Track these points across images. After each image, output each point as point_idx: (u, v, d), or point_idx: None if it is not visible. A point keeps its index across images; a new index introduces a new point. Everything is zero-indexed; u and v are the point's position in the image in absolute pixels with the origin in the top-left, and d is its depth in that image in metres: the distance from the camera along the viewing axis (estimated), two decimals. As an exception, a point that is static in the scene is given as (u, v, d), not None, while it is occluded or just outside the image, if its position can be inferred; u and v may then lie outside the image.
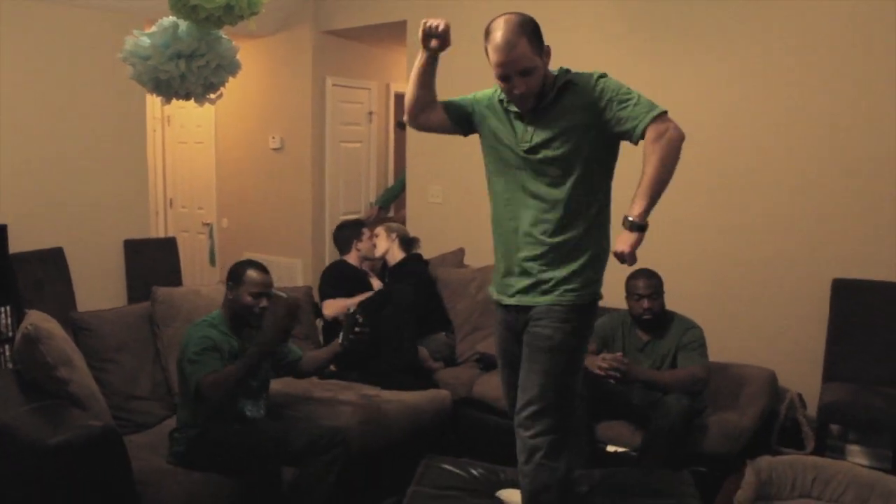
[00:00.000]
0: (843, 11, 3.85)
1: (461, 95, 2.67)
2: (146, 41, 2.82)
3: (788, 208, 4.09)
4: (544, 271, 2.43)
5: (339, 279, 4.36)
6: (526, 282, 2.46)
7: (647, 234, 4.46)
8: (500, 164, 2.52)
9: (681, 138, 2.27)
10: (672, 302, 3.68)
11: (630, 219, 2.25)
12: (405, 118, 2.65)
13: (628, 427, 3.46)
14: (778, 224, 4.13)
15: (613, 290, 3.78)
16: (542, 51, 2.36)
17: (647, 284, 3.54)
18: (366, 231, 4.59)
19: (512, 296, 2.52)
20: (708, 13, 4.27)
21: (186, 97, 2.97)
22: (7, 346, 4.69)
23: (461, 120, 2.64)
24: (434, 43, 2.44)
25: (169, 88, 2.89)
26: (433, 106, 2.59)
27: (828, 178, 3.96)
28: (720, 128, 4.27)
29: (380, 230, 4.62)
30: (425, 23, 2.40)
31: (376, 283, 4.48)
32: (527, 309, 2.47)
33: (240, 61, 3.06)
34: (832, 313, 3.90)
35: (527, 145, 2.42)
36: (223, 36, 2.98)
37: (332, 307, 4.23)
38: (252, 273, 3.02)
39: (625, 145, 2.46)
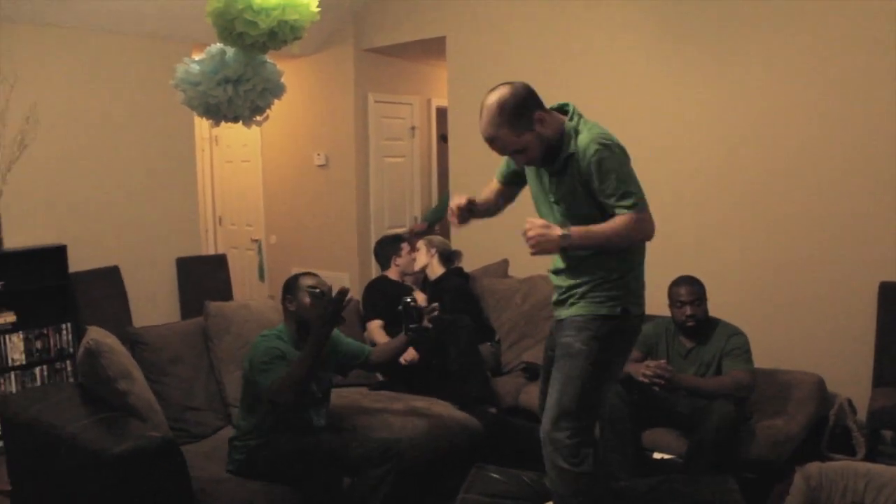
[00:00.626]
0: (883, 15, 3.83)
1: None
2: (196, 68, 2.94)
3: (833, 210, 4.06)
4: (570, 286, 2.57)
5: (377, 297, 4.43)
6: (556, 297, 2.64)
7: (690, 238, 4.47)
8: (537, 199, 2.68)
9: (648, 235, 2.47)
10: (716, 308, 3.68)
11: (567, 232, 2.38)
12: None
13: (674, 434, 3.46)
14: (823, 226, 4.10)
15: (656, 298, 3.80)
16: (531, 123, 2.44)
17: (690, 291, 3.55)
18: (404, 246, 4.64)
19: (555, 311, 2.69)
20: (744, 13, 4.27)
21: (234, 120, 3.09)
22: (68, 362, 4.87)
23: (515, 180, 2.82)
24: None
25: (218, 112, 3.01)
26: (500, 198, 2.88)
27: (874, 180, 3.92)
28: (761, 128, 4.26)
29: (420, 244, 4.67)
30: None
31: (420, 297, 4.54)
32: (560, 322, 2.62)
33: (284, 84, 3.17)
34: (880, 317, 3.86)
35: (553, 196, 2.56)
36: (268, 60, 3.10)
37: (373, 330, 4.31)
38: (304, 278, 3.16)
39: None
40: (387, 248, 4.66)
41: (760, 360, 3.62)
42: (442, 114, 6.90)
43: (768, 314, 4.24)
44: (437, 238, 4.74)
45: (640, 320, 2.64)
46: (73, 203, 5.18)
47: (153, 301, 5.62)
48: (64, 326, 4.86)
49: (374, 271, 6.48)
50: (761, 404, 3.58)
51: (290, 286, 3.16)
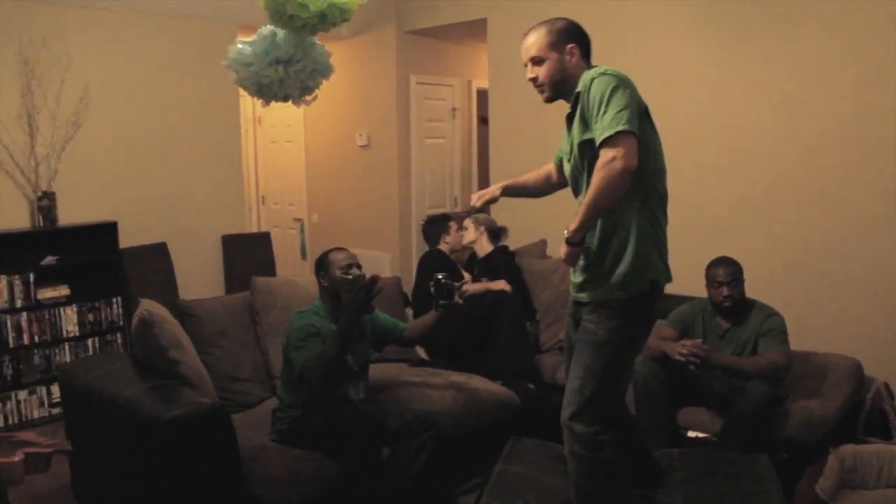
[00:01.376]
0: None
1: None
2: (248, 49, 3.04)
3: (870, 190, 4.03)
4: (589, 270, 2.50)
5: (440, 267, 4.47)
6: (579, 278, 2.57)
7: (727, 219, 4.47)
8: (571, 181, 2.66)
9: (623, 171, 2.23)
10: (753, 290, 3.70)
11: (565, 234, 2.39)
12: None
13: (709, 413, 3.49)
14: (860, 206, 4.08)
15: (693, 279, 3.83)
16: (563, 48, 2.50)
17: (727, 272, 3.58)
18: (453, 224, 4.72)
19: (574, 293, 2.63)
20: (771, 7, 4.26)
21: (285, 99, 3.19)
22: (118, 334, 5.04)
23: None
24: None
25: (269, 92, 3.11)
26: (547, 179, 2.96)
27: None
28: (800, 108, 4.24)
29: (468, 222, 4.73)
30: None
31: (466, 275, 4.62)
32: (580, 304, 2.58)
33: (332, 65, 3.26)
34: (920, 301, 3.85)
35: (568, 156, 2.57)
36: (317, 42, 3.18)
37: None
38: (334, 253, 3.25)
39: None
40: (436, 227, 4.74)
41: (797, 341, 3.63)
42: (482, 96, 6.95)
43: (805, 296, 4.25)
44: (484, 215, 4.80)
45: (662, 289, 2.53)
46: (124, 181, 5.34)
47: (199, 277, 5.77)
48: (115, 300, 5.02)
49: (416, 251, 6.59)
50: (797, 385, 3.60)
51: (322, 262, 3.26)
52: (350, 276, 3.15)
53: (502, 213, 5.46)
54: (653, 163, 2.44)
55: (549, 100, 2.61)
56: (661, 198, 2.51)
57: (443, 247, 4.68)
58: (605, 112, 2.27)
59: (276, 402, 3.23)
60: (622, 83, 2.32)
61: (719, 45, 4.52)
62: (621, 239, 2.43)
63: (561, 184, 2.87)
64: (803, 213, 4.28)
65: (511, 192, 2.96)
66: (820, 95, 4.18)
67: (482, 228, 4.69)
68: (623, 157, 2.23)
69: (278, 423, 3.14)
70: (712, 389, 3.48)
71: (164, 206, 5.58)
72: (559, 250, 2.46)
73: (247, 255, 6.06)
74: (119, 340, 5.05)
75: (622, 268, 2.42)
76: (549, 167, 2.93)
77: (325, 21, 2.90)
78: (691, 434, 3.49)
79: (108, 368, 3.24)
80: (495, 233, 4.74)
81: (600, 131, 2.27)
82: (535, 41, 2.53)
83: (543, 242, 5.14)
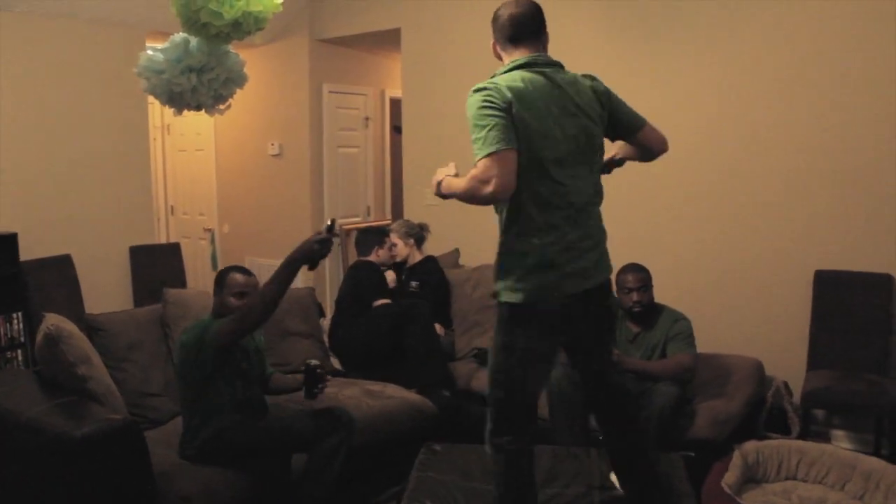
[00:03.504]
0: (828, 12, 3.99)
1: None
2: (159, 57, 2.98)
3: (772, 204, 4.24)
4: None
5: (377, 277, 4.58)
6: None
7: (639, 230, 4.58)
8: None
9: (488, 197, 2.20)
10: (662, 296, 3.83)
11: (446, 176, 2.43)
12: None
13: (621, 415, 3.59)
14: (762, 219, 4.28)
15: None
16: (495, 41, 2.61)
17: (636, 278, 3.69)
18: (388, 240, 4.77)
19: None
20: (691, 12, 4.42)
21: (198, 108, 3.13)
22: (20, 351, 4.83)
23: None
24: None
25: (181, 100, 3.05)
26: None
27: (810, 176, 4.11)
28: (705, 126, 4.42)
29: (395, 239, 4.77)
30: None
31: (391, 276, 4.76)
32: None
33: (247, 74, 3.23)
34: (815, 303, 4.06)
35: None
36: (231, 50, 3.14)
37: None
38: (235, 275, 3.13)
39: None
40: (371, 238, 4.75)
41: (703, 344, 3.78)
42: (395, 105, 6.97)
43: (711, 301, 4.42)
44: (405, 225, 4.83)
45: (554, 317, 2.43)
46: (24, 191, 5.12)
47: (106, 290, 5.58)
48: (15, 315, 4.81)
49: (329, 261, 6.54)
50: (703, 387, 3.74)
51: (221, 280, 3.15)
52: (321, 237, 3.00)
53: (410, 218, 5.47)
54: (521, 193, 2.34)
55: None
56: (526, 224, 2.40)
57: (373, 258, 4.69)
58: (475, 137, 2.25)
59: (182, 426, 3.12)
60: (483, 95, 2.30)
61: (632, 60, 4.66)
62: (501, 245, 2.46)
63: None
64: (708, 225, 4.46)
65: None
66: (727, 120, 4.36)
67: (411, 241, 4.77)
68: (493, 186, 2.18)
69: (186, 448, 3.05)
70: (623, 392, 3.58)
71: (68, 216, 5.38)
72: (436, 181, 2.45)
73: (156, 266, 5.90)
74: (20, 357, 4.84)
75: (509, 272, 2.43)
76: None
77: (240, 29, 2.87)
78: (604, 436, 3.58)
79: (9, 387, 3.10)
80: (420, 239, 4.81)
81: (475, 151, 2.24)
82: None
83: (457, 252, 5.19)
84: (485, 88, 2.31)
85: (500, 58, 2.59)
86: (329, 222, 3.09)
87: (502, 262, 2.43)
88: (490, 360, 2.49)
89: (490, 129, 2.22)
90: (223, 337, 2.93)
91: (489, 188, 2.18)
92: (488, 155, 2.19)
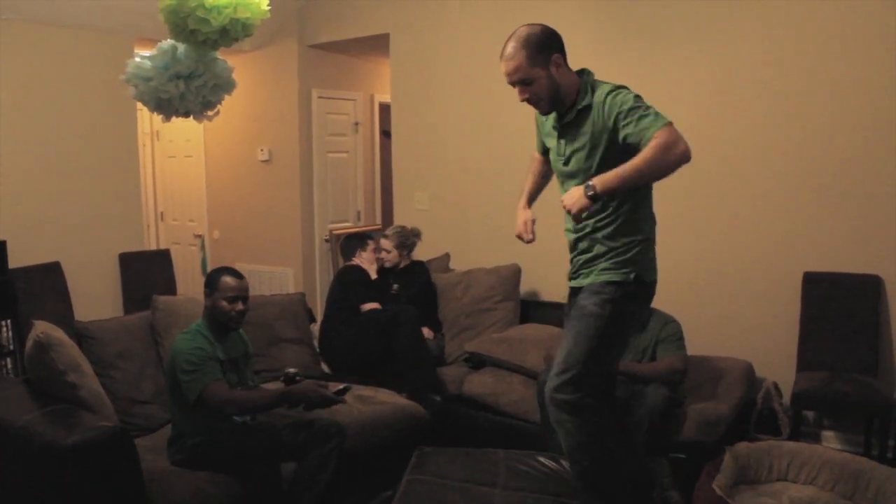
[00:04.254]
0: (817, 15, 4.01)
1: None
2: (147, 64, 2.98)
3: (760, 207, 4.26)
4: (586, 261, 2.68)
5: (364, 280, 4.63)
6: (572, 269, 2.76)
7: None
8: (556, 169, 2.76)
9: (681, 156, 2.33)
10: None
11: (590, 183, 2.38)
12: None
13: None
14: (751, 222, 4.30)
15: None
16: (548, 62, 2.53)
17: (626, 282, 3.70)
18: (371, 242, 4.80)
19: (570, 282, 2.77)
20: (682, 13, 4.43)
21: (186, 115, 3.13)
22: (9, 359, 4.80)
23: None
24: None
25: (169, 107, 3.05)
26: (544, 172, 2.99)
27: (798, 178, 4.13)
28: (693, 129, 4.35)
29: (389, 246, 4.78)
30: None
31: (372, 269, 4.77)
32: (575, 292, 2.73)
33: (235, 80, 3.23)
34: (804, 305, 4.07)
35: (563, 158, 2.64)
36: (219, 57, 3.14)
37: (371, 308, 4.48)
38: (226, 279, 3.15)
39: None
40: (354, 243, 4.83)
41: (693, 347, 3.79)
42: (385, 109, 6.97)
43: (701, 304, 4.43)
44: (400, 235, 4.83)
45: (653, 287, 2.75)
46: (13, 198, 5.10)
47: (95, 297, 5.56)
48: (4, 323, 4.79)
49: (319, 266, 6.56)
50: (693, 389, 3.76)
51: (212, 282, 3.17)
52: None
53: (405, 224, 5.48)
54: None
55: (547, 112, 2.64)
56: (646, 212, 2.77)
57: (357, 261, 4.71)
58: (644, 114, 2.40)
59: (171, 431, 3.14)
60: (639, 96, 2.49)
61: (623, 62, 4.67)
62: (612, 232, 2.64)
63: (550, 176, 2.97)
64: (698, 228, 4.48)
65: (532, 200, 2.98)
66: (714, 123, 4.37)
67: (404, 252, 4.80)
68: (682, 144, 2.33)
69: (176, 453, 3.06)
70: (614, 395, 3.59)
71: (58, 223, 5.36)
72: (568, 196, 2.42)
73: (146, 273, 5.88)
74: (9, 366, 4.81)
75: (614, 257, 2.64)
76: (537, 158, 2.99)
77: (227, 36, 2.87)
78: (595, 439, 3.58)
79: (-1, 394, 3.09)
80: (410, 247, 4.82)
81: (648, 127, 2.36)
82: (516, 64, 2.52)
83: (447, 256, 5.19)
84: (627, 87, 2.52)
85: (553, 80, 2.56)
86: (341, 387, 3.20)
87: (621, 246, 2.62)
88: (587, 341, 2.56)
89: (654, 108, 2.41)
90: (208, 399, 2.97)
91: (682, 146, 2.31)
92: (667, 124, 2.35)
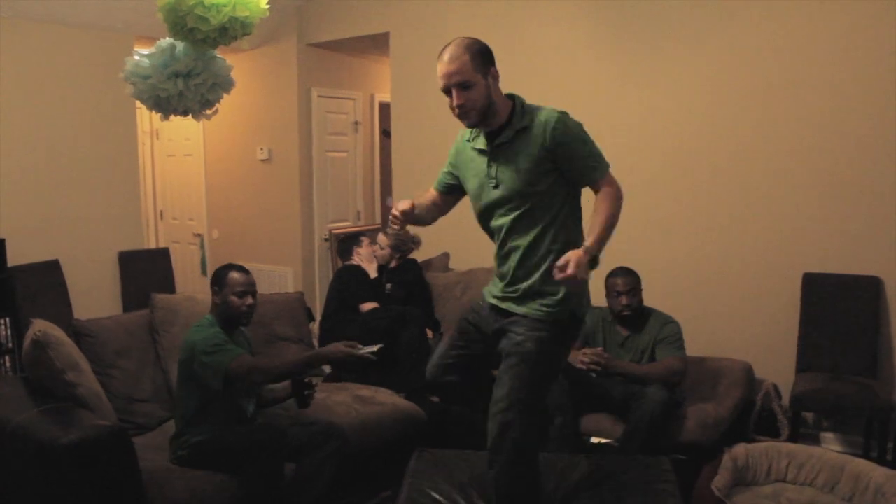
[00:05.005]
0: (817, 16, 4.02)
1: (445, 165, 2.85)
2: (146, 62, 2.97)
3: (760, 208, 4.26)
4: (518, 282, 2.61)
5: (362, 280, 4.64)
6: (502, 290, 2.68)
7: (628, 234, 4.65)
8: (476, 196, 2.67)
9: (622, 197, 2.49)
10: (652, 299, 3.84)
11: (587, 245, 2.37)
12: None
13: (610, 419, 3.60)
14: (750, 223, 4.29)
15: (594, 289, 3.94)
16: (487, 72, 2.50)
17: (626, 282, 3.70)
18: (365, 239, 4.82)
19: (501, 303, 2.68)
20: (680, 13, 4.43)
21: (184, 113, 3.12)
22: (7, 357, 4.80)
23: (452, 189, 2.83)
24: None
25: (168, 105, 3.04)
26: (434, 208, 2.88)
27: (798, 179, 4.13)
28: (694, 129, 4.43)
29: (384, 241, 4.79)
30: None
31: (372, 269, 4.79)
32: (506, 316, 2.64)
33: (234, 79, 3.22)
34: (804, 306, 4.07)
35: (493, 181, 2.56)
36: (218, 55, 3.14)
37: (370, 308, 4.50)
38: (234, 274, 3.16)
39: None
40: (349, 243, 4.85)
41: (692, 348, 3.79)
42: (385, 109, 6.97)
43: (701, 305, 4.43)
44: (396, 235, 4.83)
45: (585, 316, 2.70)
46: (12, 196, 5.10)
47: (95, 295, 5.56)
48: (2, 321, 4.78)
49: (319, 266, 6.55)
50: (693, 390, 3.75)
51: (220, 279, 3.17)
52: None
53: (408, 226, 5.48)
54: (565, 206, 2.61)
55: (472, 126, 2.57)
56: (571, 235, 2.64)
57: (355, 260, 4.72)
58: (592, 149, 2.51)
59: (175, 429, 3.13)
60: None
61: (622, 63, 4.67)
62: (549, 251, 2.56)
63: (444, 211, 2.90)
64: (698, 228, 4.48)
65: (417, 209, 2.79)
66: (716, 125, 4.38)
67: (397, 255, 4.80)
68: (619, 187, 2.50)
69: (178, 450, 3.05)
70: (613, 396, 3.59)
71: (57, 221, 5.35)
72: (575, 263, 2.30)
73: (145, 271, 5.88)
74: (7, 364, 4.81)
75: (547, 284, 2.53)
76: (433, 194, 2.89)
77: (226, 35, 2.86)
78: (594, 440, 3.58)
79: (-3, 393, 3.08)
80: (405, 252, 4.83)
81: (598, 165, 2.50)
82: (459, 65, 2.46)
83: (446, 255, 5.19)
84: (568, 114, 2.54)
85: (489, 91, 2.51)
86: (374, 349, 3.06)
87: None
88: (530, 383, 2.52)
89: (596, 145, 2.52)
90: (235, 370, 2.93)
91: (621, 191, 2.50)
92: (608, 167, 2.52)
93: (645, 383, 3.49)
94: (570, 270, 2.28)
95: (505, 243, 2.61)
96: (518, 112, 2.53)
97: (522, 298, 2.59)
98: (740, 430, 3.88)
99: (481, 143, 2.61)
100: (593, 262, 2.38)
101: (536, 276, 2.55)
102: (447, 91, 2.52)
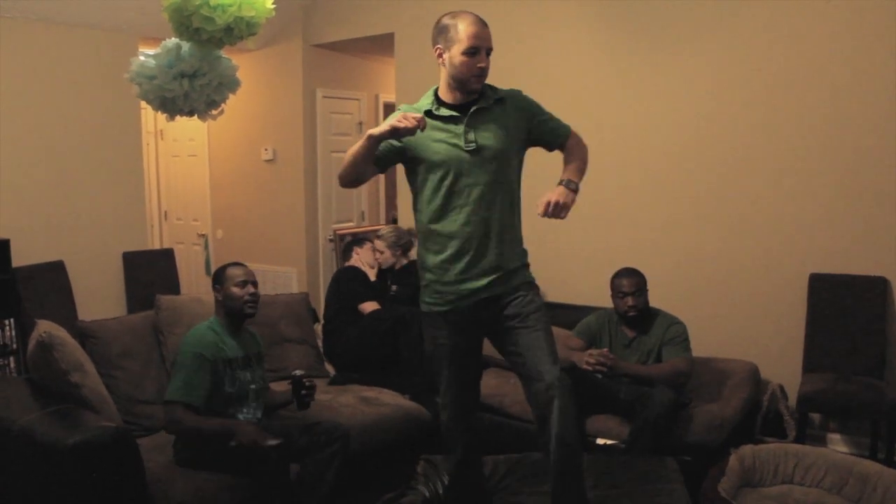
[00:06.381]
0: (820, 16, 4.00)
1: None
2: (151, 62, 2.97)
3: (766, 208, 4.24)
4: (502, 267, 2.73)
5: (361, 280, 4.65)
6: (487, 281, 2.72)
7: (634, 234, 4.64)
8: (448, 163, 2.68)
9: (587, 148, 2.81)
10: (658, 300, 3.82)
11: (569, 179, 2.62)
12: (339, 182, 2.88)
13: (616, 420, 3.59)
14: (756, 223, 4.27)
15: (600, 290, 3.94)
16: None
17: (631, 282, 3.69)
18: (368, 243, 4.83)
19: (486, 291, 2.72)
20: (682, 13, 4.42)
21: (190, 114, 3.12)
22: (11, 358, 4.80)
23: (390, 161, 2.85)
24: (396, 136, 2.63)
25: (174, 106, 3.03)
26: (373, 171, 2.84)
27: (804, 179, 4.11)
28: (700, 128, 4.42)
29: (383, 248, 4.77)
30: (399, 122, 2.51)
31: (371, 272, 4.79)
32: (496, 298, 2.73)
33: (239, 79, 3.21)
34: (810, 307, 4.05)
35: (472, 144, 2.64)
36: (223, 55, 3.13)
37: (370, 307, 4.49)
38: (231, 269, 3.22)
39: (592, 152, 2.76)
40: (350, 246, 4.90)
41: (698, 348, 3.78)
42: (389, 109, 6.96)
43: (707, 305, 4.41)
44: (394, 235, 4.83)
45: None
46: (17, 196, 5.10)
47: (99, 296, 5.56)
48: (7, 322, 4.79)
49: (323, 266, 6.54)
50: (699, 390, 3.74)
51: (219, 276, 3.22)
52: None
53: (405, 224, 5.47)
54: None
55: (474, 91, 2.68)
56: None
57: (354, 262, 4.71)
58: (551, 114, 2.81)
59: None
60: None
61: (629, 62, 4.66)
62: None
63: (364, 180, 2.94)
64: (704, 229, 4.46)
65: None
66: (721, 126, 4.36)
67: (398, 251, 4.79)
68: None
69: (182, 451, 3.04)
70: (619, 397, 3.57)
71: (61, 222, 5.36)
72: (556, 195, 2.53)
73: (149, 272, 5.88)
74: (12, 365, 4.81)
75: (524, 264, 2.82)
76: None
77: (232, 35, 2.86)
78: (600, 441, 3.57)
79: (1, 394, 3.08)
80: (406, 247, 4.80)
81: (563, 122, 2.81)
82: (489, 33, 2.69)
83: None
84: None
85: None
86: (275, 443, 2.85)
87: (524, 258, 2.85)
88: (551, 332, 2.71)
89: None
90: (168, 405, 2.96)
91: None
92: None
93: (651, 384, 3.48)
94: (555, 198, 2.52)
95: (476, 212, 2.66)
96: (488, 86, 2.72)
97: (508, 275, 2.73)
98: (747, 431, 3.87)
99: (447, 111, 2.69)
100: (573, 185, 2.63)
101: (518, 251, 2.79)
102: (473, 52, 2.61)
